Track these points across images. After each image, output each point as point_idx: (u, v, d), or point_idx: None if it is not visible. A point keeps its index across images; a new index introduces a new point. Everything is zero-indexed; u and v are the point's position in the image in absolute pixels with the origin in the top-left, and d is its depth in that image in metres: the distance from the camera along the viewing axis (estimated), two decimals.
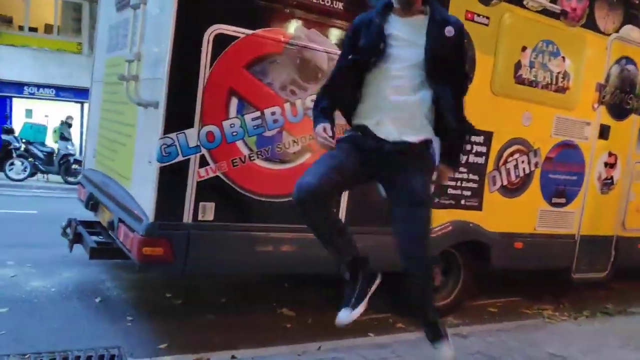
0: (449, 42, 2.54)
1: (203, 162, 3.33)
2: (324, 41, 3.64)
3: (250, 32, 3.36)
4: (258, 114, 3.46)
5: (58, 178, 12.94)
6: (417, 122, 2.58)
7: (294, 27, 3.52)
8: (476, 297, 5.23)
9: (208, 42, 3.24)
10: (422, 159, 2.62)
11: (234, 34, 3.31)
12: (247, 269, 3.69)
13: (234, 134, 3.40)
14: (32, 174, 12.88)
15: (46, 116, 17.01)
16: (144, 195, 3.35)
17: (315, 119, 2.63)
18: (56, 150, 13.16)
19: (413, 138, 2.56)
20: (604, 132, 5.23)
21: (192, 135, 3.27)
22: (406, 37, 2.55)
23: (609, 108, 5.23)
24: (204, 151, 3.32)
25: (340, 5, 3.67)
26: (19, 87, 16.48)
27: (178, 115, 3.24)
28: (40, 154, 12.93)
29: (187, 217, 3.32)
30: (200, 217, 3.36)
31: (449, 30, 2.52)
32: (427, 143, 2.61)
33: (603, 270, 5.56)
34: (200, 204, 3.35)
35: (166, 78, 3.19)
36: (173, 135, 3.22)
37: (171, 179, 3.26)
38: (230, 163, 3.42)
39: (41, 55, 16.41)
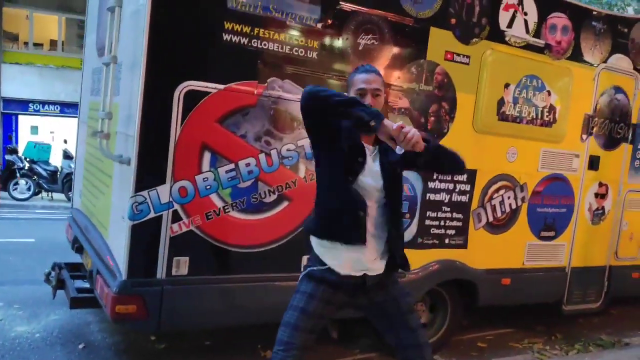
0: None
1: (176, 218, 3.33)
2: (299, 91, 3.62)
3: (222, 86, 3.36)
4: (232, 166, 3.46)
5: (62, 196, 13.05)
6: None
7: (267, 78, 3.51)
8: (466, 330, 5.19)
9: (179, 99, 3.25)
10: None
11: (205, 89, 3.32)
12: (225, 322, 3.67)
13: (208, 187, 3.40)
14: (36, 193, 13.02)
15: (52, 132, 17.19)
16: (118, 250, 3.37)
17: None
18: (60, 169, 13.28)
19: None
20: (593, 163, 5.17)
21: (164, 192, 3.28)
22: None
23: (598, 139, 5.18)
24: (176, 206, 3.32)
25: (314, 55, 3.66)
26: (24, 105, 16.67)
27: (149, 172, 3.25)
28: (44, 173, 13.06)
29: (161, 273, 3.32)
30: (174, 272, 3.36)
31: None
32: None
33: (596, 301, 5.49)
34: (174, 259, 3.35)
35: (136, 136, 3.20)
36: (145, 192, 3.23)
37: (143, 236, 3.26)
38: (205, 216, 3.42)
39: (46, 72, 16.60)
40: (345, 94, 2.53)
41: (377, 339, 4.53)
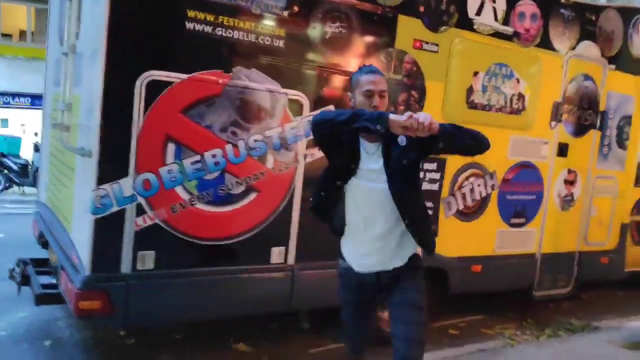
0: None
1: (140, 211, 3.27)
2: (265, 80, 3.57)
3: (185, 76, 3.30)
4: (197, 157, 3.40)
5: (34, 190, 12.77)
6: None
7: (232, 68, 3.45)
8: (438, 317, 5.22)
9: (141, 89, 3.17)
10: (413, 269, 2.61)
11: (168, 79, 3.25)
12: (193, 316, 3.63)
13: (173, 179, 3.34)
14: (7, 187, 12.74)
15: (22, 125, 16.84)
16: (81, 245, 3.29)
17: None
18: (31, 162, 13.01)
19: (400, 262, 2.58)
20: (562, 150, 5.21)
21: (127, 185, 3.21)
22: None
23: (567, 126, 5.22)
24: (140, 200, 3.26)
25: (281, 44, 3.61)
26: None
27: (111, 165, 3.18)
28: (14, 167, 12.79)
29: (126, 268, 3.26)
30: (139, 267, 3.30)
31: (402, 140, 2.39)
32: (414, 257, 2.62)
33: (566, 286, 5.57)
34: (139, 253, 3.30)
35: (98, 127, 3.12)
36: (107, 185, 3.16)
37: (107, 230, 3.20)
38: (170, 209, 3.36)
39: (16, 63, 16.22)
40: (350, 95, 2.61)
41: None
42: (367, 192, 2.53)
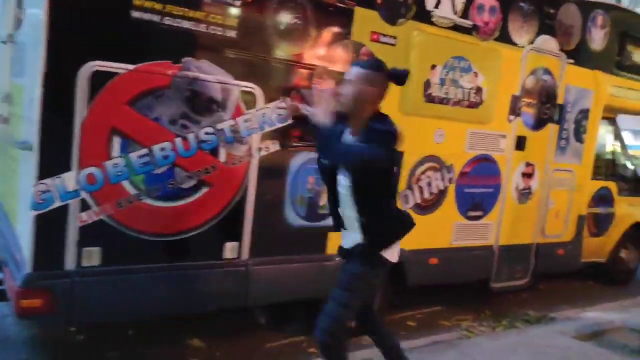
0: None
1: (84, 206, 3.16)
2: (217, 71, 3.49)
3: (131, 66, 3.18)
4: (145, 151, 3.30)
5: None
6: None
7: (182, 58, 3.35)
8: (396, 309, 5.24)
9: (84, 80, 3.06)
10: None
11: (112, 70, 3.13)
12: (142, 313, 3.53)
13: (119, 174, 3.24)
14: None
15: None
16: (24, 241, 3.18)
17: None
18: None
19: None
20: (520, 143, 5.26)
21: (70, 179, 3.10)
22: None
23: (525, 119, 5.26)
24: (84, 195, 3.15)
25: (233, 34, 3.52)
26: None
27: (53, 158, 3.06)
28: None
29: (70, 264, 3.16)
30: (84, 263, 3.20)
31: None
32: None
33: (523, 277, 5.65)
34: (84, 249, 3.19)
35: (38, 120, 3.00)
36: (49, 180, 3.04)
37: (49, 226, 3.08)
38: (116, 204, 3.26)
39: None
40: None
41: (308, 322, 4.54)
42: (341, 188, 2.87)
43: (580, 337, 4.80)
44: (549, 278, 6.55)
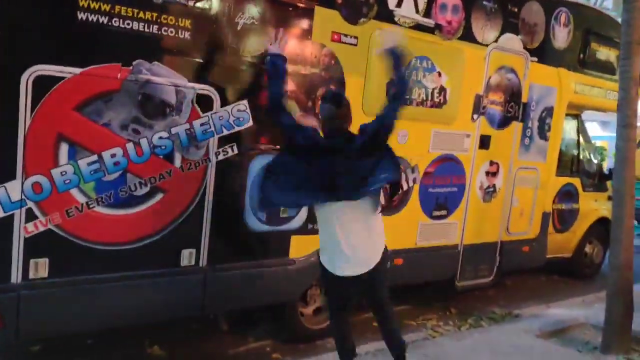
0: None
1: (30, 216, 3.04)
2: (170, 74, 3.38)
3: (78, 70, 3.06)
4: (95, 157, 3.18)
5: None
6: None
7: (132, 61, 3.23)
8: (363, 310, 5.21)
9: (27, 85, 2.92)
10: None
11: (58, 74, 3.00)
12: (94, 326, 3.44)
13: (67, 182, 3.11)
14: None
15: None
16: None
17: None
18: None
19: None
20: (484, 142, 5.26)
21: (14, 188, 2.97)
22: None
23: (488, 118, 5.26)
24: (30, 204, 3.03)
25: (186, 35, 3.41)
26: None
27: None
28: None
29: (16, 277, 3.04)
30: (32, 275, 3.08)
31: None
32: None
33: (488, 275, 5.68)
34: (31, 261, 3.07)
35: None
36: None
37: None
38: (65, 213, 3.14)
39: None
40: None
41: (274, 325, 4.49)
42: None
43: (544, 335, 4.83)
44: (515, 274, 6.60)
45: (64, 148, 3.09)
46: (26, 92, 2.93)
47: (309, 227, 4.15)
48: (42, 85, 2.97)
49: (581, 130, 6.91)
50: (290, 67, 3.84)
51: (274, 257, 4.02)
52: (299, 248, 4.13)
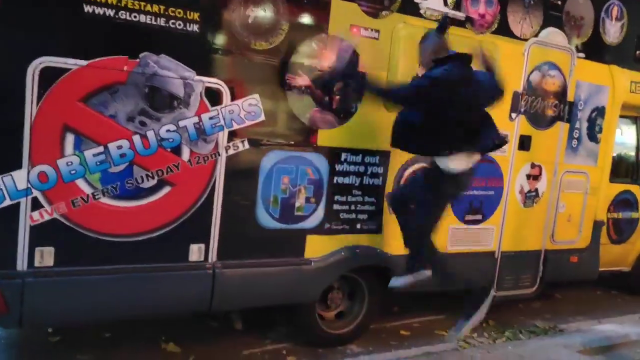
0: None
1: (36, 205, 3.09)
2: (178, 67, 3.37)
3: (84, 62, 3.10)
4: (101, 149, 3.21)
5: None
6: None
7: (139, 53, 3.25)
8: (392, 317, 5.01)
9: (33, 77, 2.99)
10: None
11: (64, 66, 3.05)
12: (98, 316, 3.45)
13: (72, 172, 3.16)
14: None
15: None
16: None
17: None
18: None
19: None
20: (524, 143, 4.93)
21: (20, 177, 3.04)
22: None
23: (529, 117, 4.93)
24: (36, 193, 3.08)
25: (195, 28, 3.40)
26: None
27: (3, 156, 3.01)
28: None
29: (22, 265, 3.09)
30: (37, 264, 3.13)
31: None
32: None
33: (530, 286, 5.29)
34: (37, 249, 3.12)
35: None
36: None
37: None
38: (71, 203, 3.18)
39: None
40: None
41: (292, 328, 4.37)
42: None
43: (587, 352, 4.44)
44: (567, 287, 6.16)
45: (70, 139, 3.13)
46: (32, 83, 3.00)
47: (326, 227, 4.02)
48: (49, 76, 3.03)
49: None
50: (306, 62, 3.78)
51: (287, 256, 3.92)
52: (316, 248, 4.01)
